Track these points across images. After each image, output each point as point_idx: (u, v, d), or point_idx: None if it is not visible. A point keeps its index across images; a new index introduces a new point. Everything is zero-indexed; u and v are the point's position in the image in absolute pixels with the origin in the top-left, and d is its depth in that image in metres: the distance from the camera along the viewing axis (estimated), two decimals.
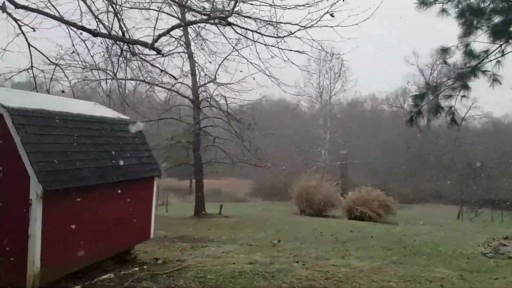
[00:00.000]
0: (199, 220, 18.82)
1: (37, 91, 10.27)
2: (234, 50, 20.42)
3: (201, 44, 19.99)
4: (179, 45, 20.07)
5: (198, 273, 7.75)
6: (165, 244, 11.46)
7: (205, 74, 20.72)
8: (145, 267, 8.15)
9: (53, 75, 10.31)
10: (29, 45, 9.67)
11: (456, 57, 7.39)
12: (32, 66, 9.95)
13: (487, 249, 11.60)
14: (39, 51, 9.85)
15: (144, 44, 7.00)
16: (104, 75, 18.65)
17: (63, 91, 11.62)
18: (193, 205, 35.39)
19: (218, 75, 20.52)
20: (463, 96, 6.64)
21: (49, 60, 10.22)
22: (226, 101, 20.82)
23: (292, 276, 7.80)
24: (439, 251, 11.05)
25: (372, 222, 19.87)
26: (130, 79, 19.89)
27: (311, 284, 7.38)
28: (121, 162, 7.55)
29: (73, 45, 10.42)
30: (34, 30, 9.35)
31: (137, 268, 7.89)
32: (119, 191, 7.48)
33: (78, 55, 12.15)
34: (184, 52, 20.27)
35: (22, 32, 9.55)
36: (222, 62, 20.71)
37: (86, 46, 10.65)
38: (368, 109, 58.10)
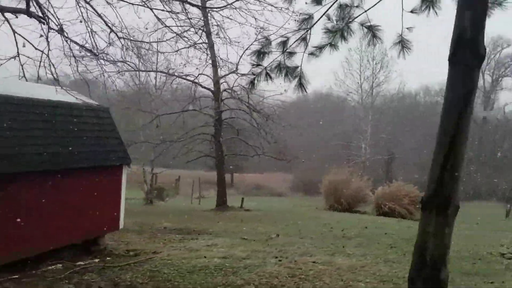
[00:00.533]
0: (216, 213, 18.47)
1: (26, 80, 10.26)
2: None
3: (218, 33, 19.61)
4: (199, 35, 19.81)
5: (156, 267, 7.36)
6: (158, 235, 11.18)
7: (225, 65, 20.30)
8: (108, 258, 7.88)
9: (40, 62, 10.21)
10: (14, 32, 9.69)
11: None
12: (18, 54, 9.93)
13: (508, 249, 10.47)
14: (24, 38, 9.79)
15: None
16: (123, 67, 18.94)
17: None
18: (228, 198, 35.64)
19: (238, 68, 20.07)
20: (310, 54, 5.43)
21: (34, 47, 10.12)
22: (247, 92, 20.30)
23: (256, 273, 7.22)
24: (451, 251, 9.97)
25: (399, 219, 18.61)
26: (151, 71, 19.99)
27: (269, 281, 6.77)
28: (78, 149, 7.28)
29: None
30: (17, 17, 9.37)
31: (97, 260, 7.62)
32: (76, 179, 7.22)
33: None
34: (205, 42, 19.96)
35: (6, 19, 9.59)
36: (244, 52, 20.23)
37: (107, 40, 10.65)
38: (418, 101, 55.31)
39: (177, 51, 20.12)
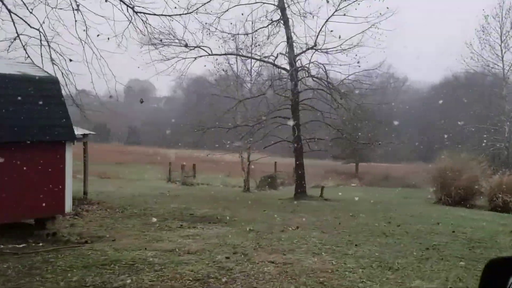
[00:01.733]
0: (284, 202, 16.95)
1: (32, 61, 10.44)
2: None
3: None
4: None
5: (77, 258, 6.56)
6: (155, 222, 10.21)
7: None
8: (41, 244, 7.34)
9: (41, 40, 10.26)
10: (9, 12, 9.91)
11: None
12: (18, 35, 10.14)
13: None
14: (20, 17, 9.95)
15: None
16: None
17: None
18: (345, 188, 33.34)
19: (316, 43, 18.14)
20: None
21: (30, 25, 10.22)
22: (324, 69, 18.28)
23: (187, 269, 5.94)
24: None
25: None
26: (226, 54, 19.38)
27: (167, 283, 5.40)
28: (12, 123, 6.85)
29: None
30: None
31: (21, 245, 7.13)
32: (8, 154, 6.81)
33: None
34: (280, 20, 18.57)
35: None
36: (324, 24, 18.26)
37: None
38: None
39: (256, 31, 19.23)
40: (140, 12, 10.82)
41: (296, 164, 19.36)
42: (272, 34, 19.06)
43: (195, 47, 18.37)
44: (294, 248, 7.54)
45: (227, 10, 18.03)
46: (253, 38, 18.89)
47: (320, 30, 18.30)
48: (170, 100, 76.50)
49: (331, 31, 18.15)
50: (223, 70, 22.46)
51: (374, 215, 13.28)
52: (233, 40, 19.38)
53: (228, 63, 21.56)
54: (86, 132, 13.12)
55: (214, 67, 21.14)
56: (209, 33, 18.16)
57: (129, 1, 10.82)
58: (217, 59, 20.11)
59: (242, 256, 6.79)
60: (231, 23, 19.42)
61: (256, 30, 19.21)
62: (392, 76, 73.40)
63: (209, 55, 18.82)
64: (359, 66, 17.81)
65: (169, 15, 11.13)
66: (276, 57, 19.32)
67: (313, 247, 7.75)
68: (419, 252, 7.92)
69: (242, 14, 18.67)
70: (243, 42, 19.76)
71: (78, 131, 12.95)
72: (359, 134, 23.82)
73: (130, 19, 10.84)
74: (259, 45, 18.81)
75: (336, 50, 18.28)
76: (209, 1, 12.36)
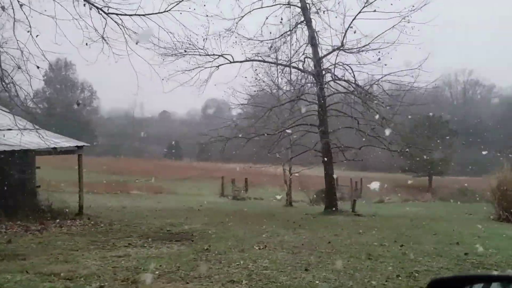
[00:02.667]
0: (306, 217, 15.35)
1: None
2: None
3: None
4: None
5: None
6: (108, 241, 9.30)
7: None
8: None
9: None
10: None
11: None
12: None
13: None
14: None
15: None
16: None
17: None
18: (410, 204, 30.49)
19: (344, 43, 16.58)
20: None
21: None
22: (352, 71, 16.56)
23: None
24: None
25: None
26: (244, 61, 18.41)
27: None
28: None
29: None
30: None
31: None
32: None
33: None
34: (302, 22, 17.34)
35: None
36: (352, 22, 16.72)
37: None
38: None
39: (282, 35, 18.08)
40: (112, 13, 10.28)
41: (326, 176, 17.64)
42: (296, 37, 17.85)
43: (219, 55, 17.72)
44: (214, 275, 6.25)
45: (246, 14, 17.32)
46: (274, 43, 17.66)
47: (348, 28, 16.74)
48: (241, 115, 77.20)
49: (355, 32, 16.47)
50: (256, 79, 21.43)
51: (391, 232, 11.36)
52: (260, 46, 18.32)
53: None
54: (80, 144, 12.81)
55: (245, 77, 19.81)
56: (235, 41, 17.36)
57: (104, 3, 10.32)
58: (256, 69, 18.92)
59: (130, 284, 5.69)
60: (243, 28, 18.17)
61: (282, 34, 18.05)
62: (477, 83, 67.30)
63: (231, 62, 18.00)
64: (386, 65, 15.81)
65: (144, 15, 10.44)
66: (303, 62, 18.05)
67: (243, 272, 6.42)
68: (388, 282, 6.24)
69: (267, 17, 17.51)
70: (272, 48, 18.61)
71: (70, 143, 12.77)
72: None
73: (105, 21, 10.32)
74: (276, 49, 17.53)
75: (367, 50, 16.57)
76: None
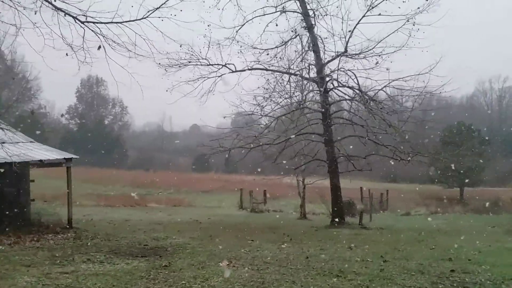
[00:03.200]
0: (307, 230, 14.62)
1: None
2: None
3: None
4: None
5: None
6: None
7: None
8: None
9: None
10: None
11: None
12: None
13: None
14: None
15: None
16: None
17: None
18: (437, 216, 29.00)
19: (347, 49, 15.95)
20: None
21: None
22: (356, 77, 15.84)
23: None
24: None
25: None
26: (246, 70, 17.97)
27: None
28: None
29: None
30: None
31: None
32: None
33: None
34: (304, 27, 16.83)
35: None
36: (356, 26, 16.09)
37: None
38: None
39: (286, 43, 17.59)
40: (88, 22, 10.12)
41: (332, 187, 16.87)
42: (302, 44, 17.30)
43: (223, 65, 17.41)
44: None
45: (247, 22, 17.02)
46: (277, 51, 17.18)
47: (352, 33, 16.10)
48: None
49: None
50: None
51: (385, 247, 10.55)
52: (262, 54, 17.86)
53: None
54: (68, 156, 12.68)
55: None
56: (239, 50, 17.03)
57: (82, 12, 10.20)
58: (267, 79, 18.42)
59: None
60: (248, 36, 17.72)
61: (287, 42, 17.55)
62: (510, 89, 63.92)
63: (233, 71, 17.62)
64: (388, 70, 15.02)
65: (121, 22, 10.21)
66: (308, 69, 17.45)
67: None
68: None
69: (273, 23, 17.08)
70: (275, 56, 18.12)
71: (59, 155, 12.69)
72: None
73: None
74: (280, 57, 17.01)
75: (371, 55, 15.85)
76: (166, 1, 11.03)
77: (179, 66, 17.18)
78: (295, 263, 8.18)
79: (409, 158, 15.04)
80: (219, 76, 17.52)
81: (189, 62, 17.17)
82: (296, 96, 17.69)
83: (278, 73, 17.80)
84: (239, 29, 16.89)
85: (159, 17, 10.75)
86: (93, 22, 10.28)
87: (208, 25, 16.62)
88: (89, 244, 10.26)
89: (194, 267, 7.59)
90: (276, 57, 17.08)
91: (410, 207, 36.06)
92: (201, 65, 17.24)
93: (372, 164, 18.04)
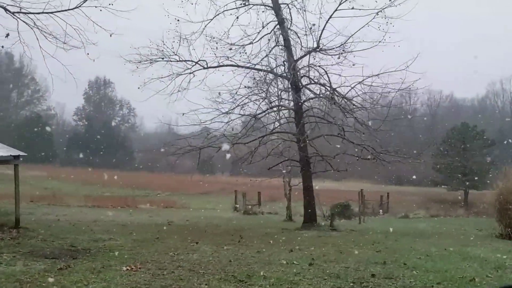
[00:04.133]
0: (277, 232, 13.97)
1: None
2: None
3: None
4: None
5: None
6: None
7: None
8: None
9: None
10: None
11: None
12: None
13: None
14: None
15: None
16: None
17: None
18: (432, 219, 28.05)
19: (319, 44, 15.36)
20: None
21: None
22: (327, 74, 15.22)
23: None
24: None
25: None
26: (218, 66, 17.47)
27: None
28: None
29: None
30: None
31: None
32: None
33: None
34: (274, 20, 16.29)
35: None
36: (328, 21, 15.53)
37: None
38: None
39: (260, 39, 17.04)
40: (20, 12, 9.82)
41: (304, 188, 16.22)
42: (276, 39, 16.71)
43: (196, 62, 16.94)
44: None
45: (216, 16, 16.51)
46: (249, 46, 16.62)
47: (324, 27, 15.51)
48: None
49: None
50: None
51: (331, 250, 9.92)
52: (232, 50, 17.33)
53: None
54: (15, 153, 12.31)
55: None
56: (207, 43, 16.53)
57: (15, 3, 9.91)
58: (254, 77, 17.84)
59: None
60: (216, 31, 17.14)
61: (261, 38, 16.97)
62: None
63: (205, 68, 17.12)
64: (354, 65, 14.39)
65: (52, 12, 9.88)
66: (284, 66, 16.87)
67: None
68: None
69: (245, 18, 16.71)
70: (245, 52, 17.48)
71: (5, 153, 12.34)
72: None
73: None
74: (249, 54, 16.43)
75: (346, 52, 15.21)
76: None
77: (150, 62, 16.86)
78: (210, 267, 7.60)
79: (369, 157, 14.37)
80: (191, 73, 17.12)
81: (162, 58, 16.85)
82: (269, 94, 17.18)
83: (254, 71, 17.33)
84: (208, 23, 16.41)
85: (95, 7, 10.42)
86: (24, 13, 9.97)
87: (178, 20, 16.34)
88: (19, 243, 9.89)
89: (90, 271, 7.05)
90: (246, 53, 16.57)
91: (411, 209, 35.09)
92: (171, 61, 16.85)
93: (353, 164, 17.41)
